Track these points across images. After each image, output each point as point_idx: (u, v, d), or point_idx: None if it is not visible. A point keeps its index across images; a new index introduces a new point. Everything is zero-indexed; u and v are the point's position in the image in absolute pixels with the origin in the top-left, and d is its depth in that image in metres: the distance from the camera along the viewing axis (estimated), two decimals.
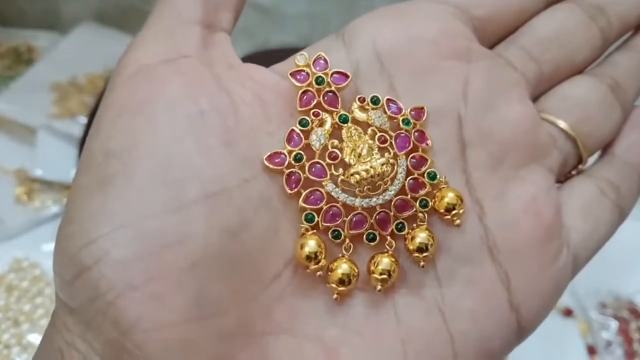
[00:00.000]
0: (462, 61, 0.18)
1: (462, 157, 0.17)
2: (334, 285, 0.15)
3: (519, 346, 0.45)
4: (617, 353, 0.43)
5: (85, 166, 0.15)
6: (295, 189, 0.15)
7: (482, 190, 0.17)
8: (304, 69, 0.17)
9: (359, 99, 0.17)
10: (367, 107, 0.17)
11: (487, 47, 0.19)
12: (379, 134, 0.16)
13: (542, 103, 0.19)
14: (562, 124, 0.18)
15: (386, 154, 0.16)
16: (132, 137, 0.15)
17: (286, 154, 0.16)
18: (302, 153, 0.16)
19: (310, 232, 0.15)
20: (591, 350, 0.43)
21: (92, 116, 0.47)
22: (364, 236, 0.16)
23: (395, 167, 0.16)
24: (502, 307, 0.16)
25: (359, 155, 0.16)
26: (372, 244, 0.16)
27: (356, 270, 0.15)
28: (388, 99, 0.17)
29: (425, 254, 0.15)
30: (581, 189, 0.19)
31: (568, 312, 0.45)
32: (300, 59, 0.17)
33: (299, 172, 0.16)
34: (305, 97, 0.16)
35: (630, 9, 0.20)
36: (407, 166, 0.16)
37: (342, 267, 0.15)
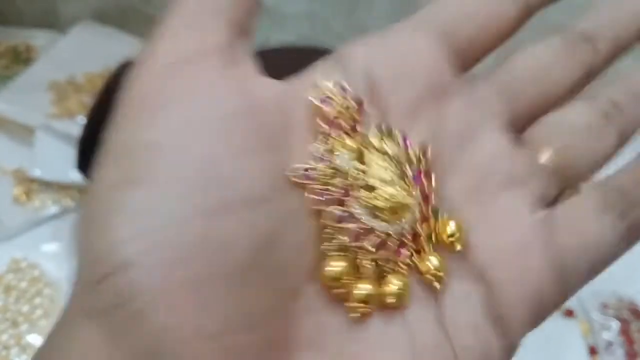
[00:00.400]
0: (439, 98, 0.18)
1: (440, 188, 0.17)
2: (356, 304, 0.15)
3: (520, 346, 0.45)
4: (618, 354, 0.43)
5: (113, 159, 0.14)
6: (321, 206, 0.16)
7: (462, 216, 0.17)
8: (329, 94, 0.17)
9: (376, 126, 0.17)
10: (382, 135, 0.17)
11: (470, 69, 0.19)
12: (395, 164, 0.17)
13: (528, 132, 0.19)
14: (542, 154, 0.18)
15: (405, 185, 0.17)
16: (167, 133, 0.14)
17: (314, 169, 0.16)
18: (331, 171, 0.16)
19: (335, 254, 0.15)
20: (592, 351, 0.43)
21: (91, 116, 0.47)
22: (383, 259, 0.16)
23: (412, 199, 0.16)
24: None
25: (383, 180, 0.16)
26: (388, 265, 0.16)
27: (376, 290, 0.16)
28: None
29: (439, 275, 0.16)
30: (574, 208, 0.18)
31: (569, 313, 0.45)
32: (325, 84, 0.17)
33: (326, 189, 0.16)
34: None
35: (625, 28, 0.19)
36: (419, 201, 0.17)
37: (365, 288, 0.16)
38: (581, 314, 0.45)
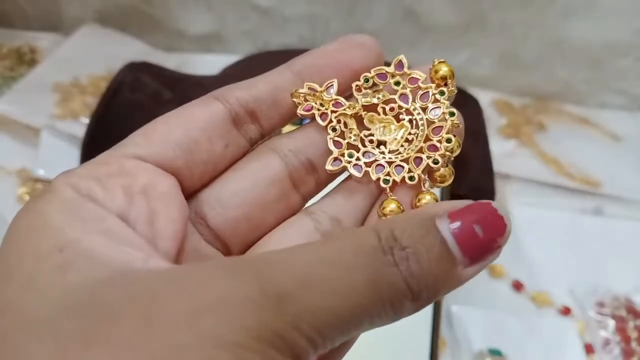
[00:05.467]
0: None
1: None
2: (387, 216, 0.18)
3: (517, 344, 0.45)
4: (614, 352, 0.43)
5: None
6: (365, 171, 0.19)
7: None
8: (312, 104, 0.19)
9: (355, 87, 0.19)
10: (363, 89, 0.19)
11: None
12: (388, 107, 0.19)
13: None
14: None
15: (403, 122, 0.19)
16: None
17: (343, 154, 0.19)
18: (352, 151, 0.19)
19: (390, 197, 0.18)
20: (589, 349, 0.43)
21: (94, 117, 0.48)
22: (406, 178, 0.19)
23: (413, 129, 0.19)
24: None
25: (387, 130, 0.19)
26: (412, 182, 0.19)
27: (402, 208, 0.18)
28: (378, 73, 0.19)
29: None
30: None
31: (566, 311, 0.45)
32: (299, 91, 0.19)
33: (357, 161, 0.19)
34: (322, 115, 0.19)
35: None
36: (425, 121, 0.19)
37: (390, 206, 0.18)
38: (578, 312, 0.46)
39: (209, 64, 0.58)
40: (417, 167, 0.18)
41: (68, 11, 0.63)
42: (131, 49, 0.60)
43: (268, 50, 0.61)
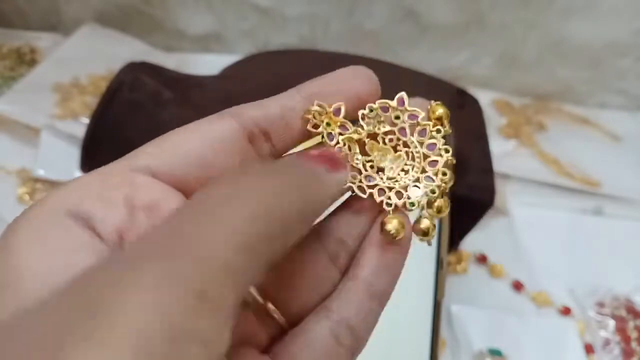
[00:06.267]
0: None
1: None
2: (390, 232, 0.19)
3: (516, 344, 0.45)
4: (614, 352, 0.43)
5: None
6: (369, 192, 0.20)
7: None
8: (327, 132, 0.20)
9: (361, 115, 0.20)
10: (367, 118, 0.20)
11: None
12: (388, 138, 0.20)
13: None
14: None
15: (400, 153, 0.20)
16: None
17: (353, 175, 0.20)
18: (355, 174, 0.20)
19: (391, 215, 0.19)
20: (588, 349, 0.43)
21: (94, 117, 0.48)
22: (407, 204, 0.20)
23: (409, 162, 0.20)
24: None
25: (384, 159, 0.20)
26: (412, 208, 0.20)
27: (403, 224, 0.19)
28: (382, 105, 0.20)
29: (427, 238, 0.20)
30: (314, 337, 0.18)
31: (566, 311, 0.45)
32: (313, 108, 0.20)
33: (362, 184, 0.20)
34: (329, 135, 0.20)
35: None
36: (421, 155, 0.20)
37: (393, 222, 0.19)
38: (578, 312, 0.46)
39: (209, 64, 0.58)
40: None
41: (68, 11, 0.63)
42: (131, 49, 0.60)
43: (268, 50, 0.61)
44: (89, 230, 0.16)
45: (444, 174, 0.20)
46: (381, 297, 0.19)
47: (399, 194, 0.20)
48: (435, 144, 0.20)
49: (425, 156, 0.20)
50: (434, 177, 0.20)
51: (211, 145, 0.18)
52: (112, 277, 0.12)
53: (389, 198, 0.19)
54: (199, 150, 0.17)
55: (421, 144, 0.20)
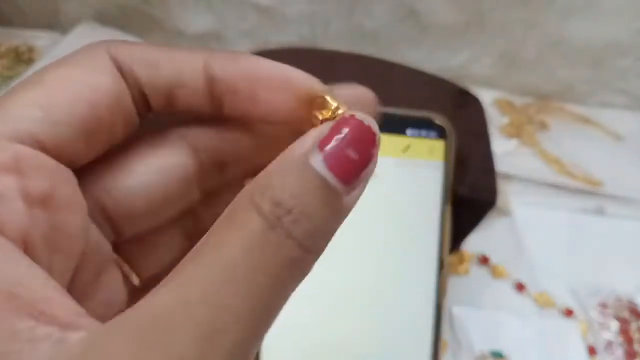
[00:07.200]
0: None
1: None
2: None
3: (518, 346, 0.45)
4: (617, 353, 0.43)
5: None
6: None
7: None
8: None
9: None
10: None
11: None
12: None
13: None
14: None
15: None
16: None
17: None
18: None
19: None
20: (591, 351, 0.43)
21: None
22: None
23: None
24: None
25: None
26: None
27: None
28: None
29: None
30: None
31: (569, 312, 0.45)
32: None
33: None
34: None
35: None
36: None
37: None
38: (581, 313, 0.45)
39: None
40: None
41: (66, 10, 0.63)
42: None
43: (267, 49, 0.61)
44: None
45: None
46: None
47: None
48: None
49: None
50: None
51: (99, 105, 0.15)
52: None
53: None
54: (87, 115, 0.14)
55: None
